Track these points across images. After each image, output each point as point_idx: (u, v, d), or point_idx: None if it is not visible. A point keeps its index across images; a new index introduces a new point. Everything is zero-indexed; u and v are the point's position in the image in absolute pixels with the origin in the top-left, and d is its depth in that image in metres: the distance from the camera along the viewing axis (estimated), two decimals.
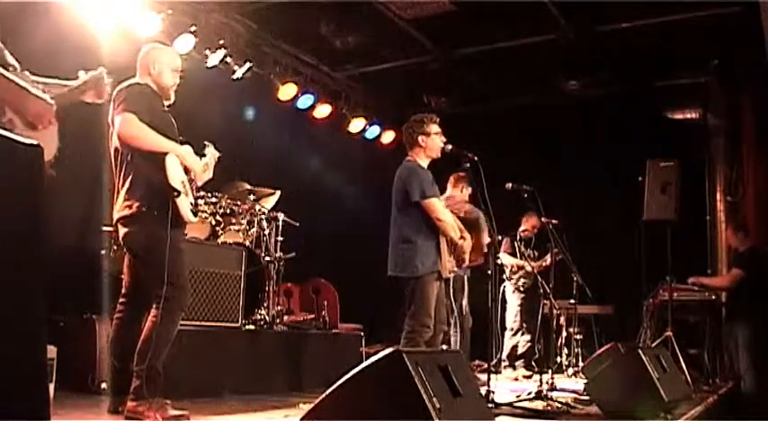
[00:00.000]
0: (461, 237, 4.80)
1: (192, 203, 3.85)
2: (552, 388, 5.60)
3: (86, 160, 5.00)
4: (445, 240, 4.75)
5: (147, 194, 3.70)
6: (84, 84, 3.36)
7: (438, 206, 4.72)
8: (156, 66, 3.93)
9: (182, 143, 3.94)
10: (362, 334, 6.89)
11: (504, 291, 7.92)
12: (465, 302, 6.75)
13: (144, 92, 3.81)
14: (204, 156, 4.12)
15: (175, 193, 3.67)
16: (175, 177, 3.72)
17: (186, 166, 3.88)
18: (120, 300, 3.92)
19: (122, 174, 3.77)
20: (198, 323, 5.25)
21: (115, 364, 3.84)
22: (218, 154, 4.16)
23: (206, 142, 4.16)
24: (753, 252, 7.15)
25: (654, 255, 7.09)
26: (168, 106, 4.01)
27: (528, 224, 7.94)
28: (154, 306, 3.67)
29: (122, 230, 3.76)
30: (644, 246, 7.32)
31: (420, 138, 4.84)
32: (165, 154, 3.71)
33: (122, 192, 3.75)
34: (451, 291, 6.06)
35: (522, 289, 7.85)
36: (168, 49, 4.21)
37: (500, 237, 7.48)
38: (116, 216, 3.78)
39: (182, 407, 3.73)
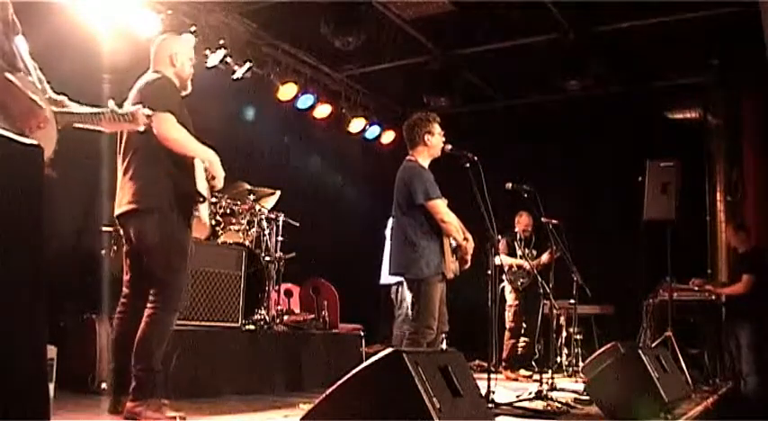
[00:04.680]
0: (465, 239, 4.79)
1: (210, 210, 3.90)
2: (552, 388, 5.61)
3: (86, 160, 5.00)
4: (448, 242, 4.74)
5: (169, 194, 3.68)
6: (117, 116, 3.26)
7: (442, 207, 4.69)
8: (179, 58, 3.92)
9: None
10: (362, 334, 6.89)
11: (502, 290, 7.92)
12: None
13: (172, 88, 3.80)
14: None
15: (201, 199, 3.74)
16: (201, 183, 3.75)
17: (211, 173, 3.83)
18: (122, 299, 3.86)
19: (135, 167, 3.72)
20: (198, 323, 5.25)
21: (117, 363, 3.80)
22: None
23: None
24: (756, 253, 7.14)
25: (654, 255, 7.09)
26: (184, 97, 3.99)
27: (520, 225, 7.94)
28: (150, 305, 3.66)
29: (133, 224, 3.72)
30: (644, 246, 7.32)
31: (426, 137, 4.82)
32: (193, 157, 3.73)
33: (134, 185, 3.69)
34: None
35: (520, 288, 7.85)
36: (184, 39, 4.19)
37: (499, 238, 7.48)
38: (124, 208, 3.70)
39: (181, 407, 3.73)
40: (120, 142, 3.82)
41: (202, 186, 3.77)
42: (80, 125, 3.14)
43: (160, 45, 3.95)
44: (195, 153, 3.74)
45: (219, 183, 3.89)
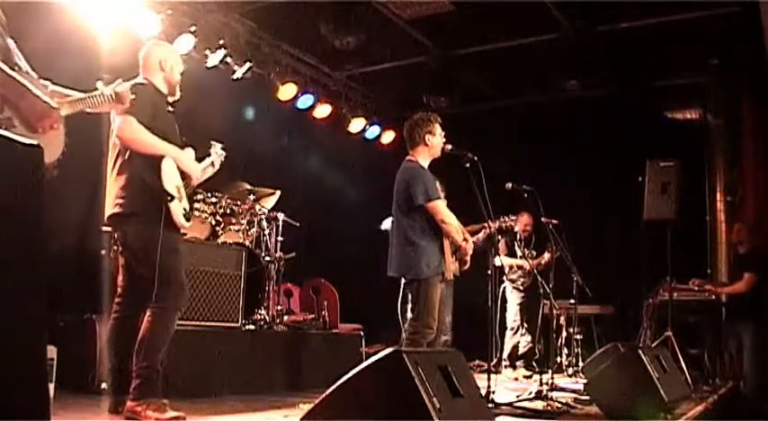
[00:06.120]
0: (464, 240, 4.79)
1: (185, 208, 3.86)
2: (552, 388, 5.60)
3: (86, 160, 4.99)
4: (448, 242, 4.74)
5: (143, 195, 3.72)
6: (110, 96, 3.37)
7: (442, 208, 4.68)
8: (168, 63, 3.97)
9: (184, 145, 3.96)
10: (362, 334, 6.89)
11: (503, 290, 7.93)
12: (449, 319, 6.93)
13: (146, 92, 3.81)
14: (209, 155, 4.19)
15: (169, 198, 3.71)
16: (170, 181, 3.75)
17: (183, 170, 3.90)
18: (116, 299, 3.91)
19: (117, 171, 3.79)
20: (198, 323, 5.26)
21: (114, 364, 3.83)
22: (224, 154, 4.26)
23: (213, 142, 4.23)
24: (757, 253, 7.13)
25: (654, 255, 7.09)
26: (174, 102, 4.03)
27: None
28: (151, 305, 3.69)
29: (118, 228, 3.81)
30: (644, 246, 7.32)
31: (426, 137, 4.81)
32: (162, 157, 3.74)
33: (116, 189, 3.76)
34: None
35: (521, 288, 7.85)
36: (171, 46, 4.32)
37: (499, 238, 7.47)
38: (109, 212, 3.78)
39: (181, 407, 3.73)
40: (108, 144, 3.86)
41: (170, 185, 3.74)
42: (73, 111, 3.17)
43: (148, 51, 3.99)
44: (157, 150, 3.74)
45: (195, 178, 3.99)
